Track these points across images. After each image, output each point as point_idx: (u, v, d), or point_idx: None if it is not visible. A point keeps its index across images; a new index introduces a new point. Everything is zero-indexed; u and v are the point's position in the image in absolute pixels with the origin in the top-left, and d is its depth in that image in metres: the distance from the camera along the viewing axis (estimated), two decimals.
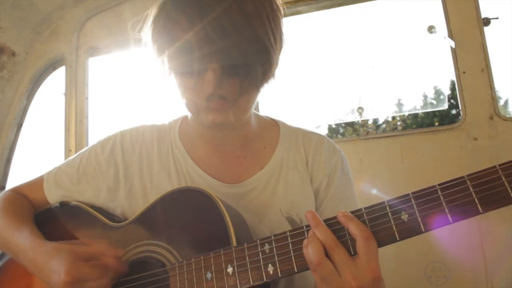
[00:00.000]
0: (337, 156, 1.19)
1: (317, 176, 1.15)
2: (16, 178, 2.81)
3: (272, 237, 0.85)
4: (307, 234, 0.82)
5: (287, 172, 1.14)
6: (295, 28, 2.69)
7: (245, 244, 0.87)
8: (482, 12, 2.07)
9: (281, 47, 1.01)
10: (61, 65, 2.85)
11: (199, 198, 0.97)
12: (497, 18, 2.09)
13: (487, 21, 2.07)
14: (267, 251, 0.84)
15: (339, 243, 0.77)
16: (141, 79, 2.86)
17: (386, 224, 0.77)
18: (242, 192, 1.11)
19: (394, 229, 0.77)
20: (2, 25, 2.64)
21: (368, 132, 2.40)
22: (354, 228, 0.76)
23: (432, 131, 2.10)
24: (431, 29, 2.28)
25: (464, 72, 2.03)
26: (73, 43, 2.79)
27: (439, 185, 0.75)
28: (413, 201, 0.76)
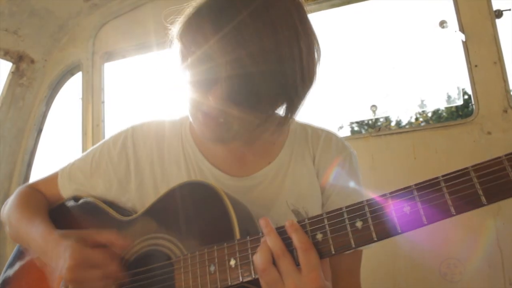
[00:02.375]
0: (345, 152, 1.19)
1: (324, 172, 1.16)
2: None
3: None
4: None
5: (295, 166, 1.16)
6: None
7: (247, 237, 0.88)
8: (494, 4, 2.04)
9: (308, 87, 0.98)
10: (78, 71, 2.93)
11: (205, 192, 0.99)
12: (509, 10, 2.06)
13: (499, 13, 2.04)
14: None
15: (287, 252, 0.80)
16: (155, 82, 2.91)
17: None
18: (249, 185, 1.13)
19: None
20: (21, 34, 2.72)
21: (380, 128, 2.37)
22: (296, 239, 0.79)
23: (445, 126, 2.07)
24: (442, 23, 2.26)
25: (476, 66, 2.01)
26: (89, 49, 2.86)
27: (442, 176, 0.74)
28: (415, 192, 0.75)
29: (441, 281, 1.95)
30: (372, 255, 2.00)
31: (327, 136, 1.21)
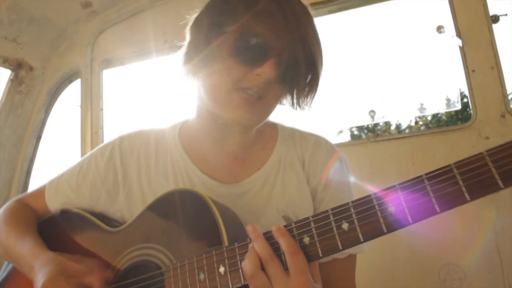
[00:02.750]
0: (335, 156, 1.19)
1: (314, 177, 1.16)
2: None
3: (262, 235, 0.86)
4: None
5: (284, 172, 1.16)
6: None
7: (235, 243, 0.88)
8: (490, 9, 2.03)
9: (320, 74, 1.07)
10: (76, 78, 2.93)
11: (192, 199, 0.98)
12: (506, 15, 2.05)
13: (495, 18, 2.04)
14: None
15: (275, 256, 0.80)
16: (154, 88, 2.92)
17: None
18: (239, 192, 1.13)
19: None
20: (20, 41, 2.73)
21: (378, 134, 2.37)
22: (283, 244, 0.80)
23: (443, 131, 2.07)
24: (440, 29, 2.26)
25: (473, 71, 2.00)
26: (87, 56, 2.87)
27: (425, 174, 0.74)
28: (399, 192, 0.75)
29: (440, 286, 1.93)
30: (371, 261, 1.99)
31: (316, 141, 1.21)
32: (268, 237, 0.83)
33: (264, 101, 1.01)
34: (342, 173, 1.18)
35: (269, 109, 1.06)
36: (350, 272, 1.17)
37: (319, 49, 1.01)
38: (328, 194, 1.15)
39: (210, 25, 1.01)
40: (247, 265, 0.80)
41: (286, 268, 0.79)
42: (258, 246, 0.81)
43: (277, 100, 1.05)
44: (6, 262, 1.25)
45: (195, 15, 1.08)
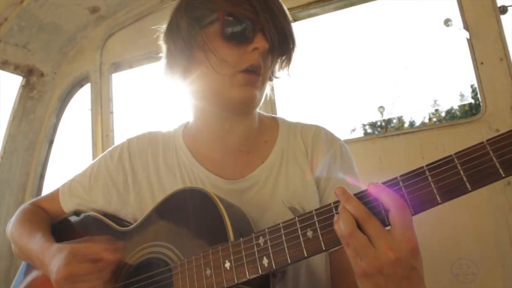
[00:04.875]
0: (336, 145, 1.21)
1: (317, 166, 1.17)
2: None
3: (266, 229, 0.86)
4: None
5: (288, 164, 1.17)
6: (313, 31, 2.70)
7: (241, 238, 0.89)
8: (498, 0, 2.01)
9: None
10: (86, 82, 2.97)
11: (199, 197, 1.00)
12: None
13: (504, 9, 2.01)
14: (262, 244, 0.86)
15: (372, 214, 0.75)
16: (163, 90, 2.93)
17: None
18: (244, 187, 1.14)
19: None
20: (31, 48, 2.77)
21: (387, 129, 2.35)
22: (387, 198, 0.74)
23: (452, 125, 2.05)
24: (447, 22, 2.24)
25: (482, 63, 1.98)
26: (96, 60, 2.90)
27: (426, 165, 0.74)
28: (401, 183, 0.75)
29: (453, 281, 1.91)
30: None
31: (317, 130, 1.23)
32: (359, 197, 0.79)
33: (263, 76, 1.09)
34: (342, 160, 1.19)
35: (266, 84, 1.14)
36: None
37: (288, 17, 1.11)
38: (331, 181, 1.16)
39: (188, 24, 1.07)
40: (343, 225, 0.75)
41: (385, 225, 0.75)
42: (352, 206, 0.76)
43: (269, 72, 1.14)
44: (20, 271, 1.28)
45: (165, 25, 1.15)
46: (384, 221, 0.74)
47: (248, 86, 1.06)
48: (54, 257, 1.01)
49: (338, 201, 0.80)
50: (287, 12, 1.11)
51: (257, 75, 1.07)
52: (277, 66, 1.16)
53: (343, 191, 0.78)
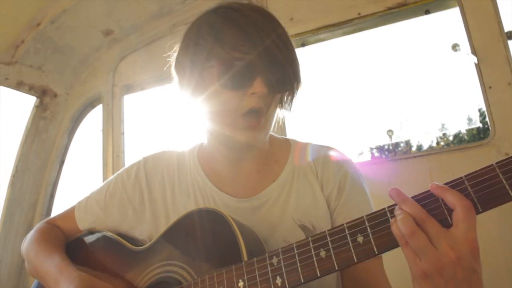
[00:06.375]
0: (346, 165, 1.22)
1: (327, 185, 1.18)
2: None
3: (280, 249, 0.88)
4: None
5: (299, 182, 1.19)
6: (323, 55, 2.73)
7: (254, 258, 0.90)
8: (505, 25, 2.04)
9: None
10: (98, 103, 3.02)
11: (213, 218, 1.01)
12: None
13: (511, 35, 2.04)
14: (275, 264, 0.87)
15: (430, 215, 0.74)
16: (174, 112, 2.97)
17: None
18: (256, 205, 1.16)
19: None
20: (45, 69, 2.84)
21: (396, 153, 2.35)
22: (453, 197, 0.72)
23: (461, 148, 2.05)
24: (455, 47, 2.26)
25: (490, 87, 2.00)
26: (109, 82, 2.96)
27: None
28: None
29: None
30: (388, 261, 1.96)
31: (327, 151, 1.25)
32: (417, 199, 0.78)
33: (265, 116, 1.07)
34: (353, 180, 1.20)
35: (271, 122, 1.12)
36: (383, 269, 1.16)
37: (291, 48, 1.08)
38: (341, 200, 1.17)
39: (191, 64, 1.08)
40: (402, 225, 0.74)
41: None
42: (409, 207, 0.75)
43: (275, 109, 1.11)
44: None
45: (175, 55, 1.16)
46: (442, 223, 0.74)
47: (250, 130, 1.06)
48: (68, 284, 1.01)
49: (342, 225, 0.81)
50: (290, 46, 1.08)
51: (258, 118, 1.05)
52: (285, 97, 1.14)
53: (398, 192, 0.78)
